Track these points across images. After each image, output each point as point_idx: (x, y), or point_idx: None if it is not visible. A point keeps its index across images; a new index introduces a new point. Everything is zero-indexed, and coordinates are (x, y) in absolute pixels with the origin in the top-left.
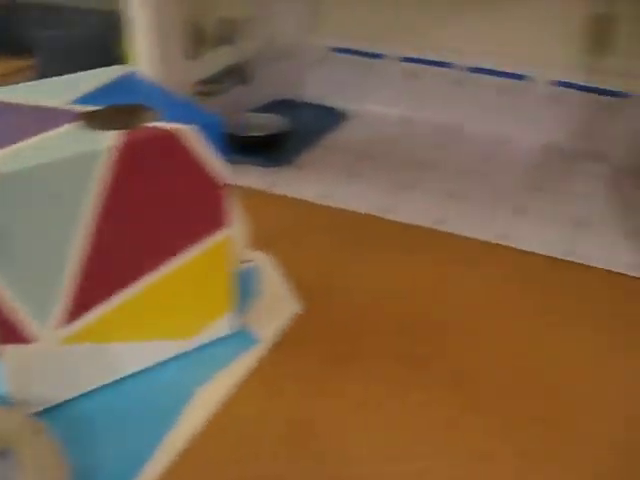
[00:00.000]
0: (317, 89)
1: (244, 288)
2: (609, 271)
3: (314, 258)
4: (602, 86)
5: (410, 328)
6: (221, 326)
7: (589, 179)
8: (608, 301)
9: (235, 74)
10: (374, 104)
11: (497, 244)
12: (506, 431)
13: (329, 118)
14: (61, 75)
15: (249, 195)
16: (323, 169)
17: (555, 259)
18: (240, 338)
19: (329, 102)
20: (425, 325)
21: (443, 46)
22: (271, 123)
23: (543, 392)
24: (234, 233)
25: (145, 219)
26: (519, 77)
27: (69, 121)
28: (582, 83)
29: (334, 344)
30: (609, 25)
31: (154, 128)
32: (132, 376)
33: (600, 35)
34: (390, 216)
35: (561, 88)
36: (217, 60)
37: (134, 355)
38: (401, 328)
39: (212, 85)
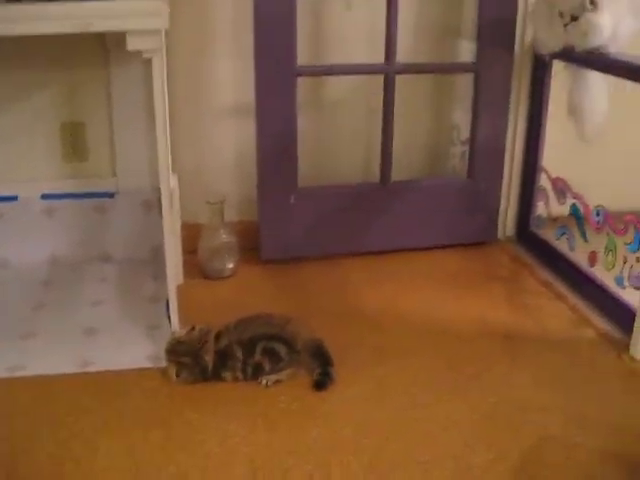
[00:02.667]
0: None
1: None
2: (133, 369)
3: None
4: (88, 190)
5: None
6: None
7: (98, 283)
8: (140, 399)
9: None
10: None
11: (11, 378)
12: None
13: None
14: None
15: None
16: None
17: (75, 375)
18: None
19: None
20: None
21: None
22: None
23: None
24: None
25: None
26: (9, 198)
27: None
28: (70, 191)
29: None
30: (80, 132)
31: None
32: None
33: (74, 142)
34: None
35: (52, 200)
36: None
37: None
38: None
39: None
